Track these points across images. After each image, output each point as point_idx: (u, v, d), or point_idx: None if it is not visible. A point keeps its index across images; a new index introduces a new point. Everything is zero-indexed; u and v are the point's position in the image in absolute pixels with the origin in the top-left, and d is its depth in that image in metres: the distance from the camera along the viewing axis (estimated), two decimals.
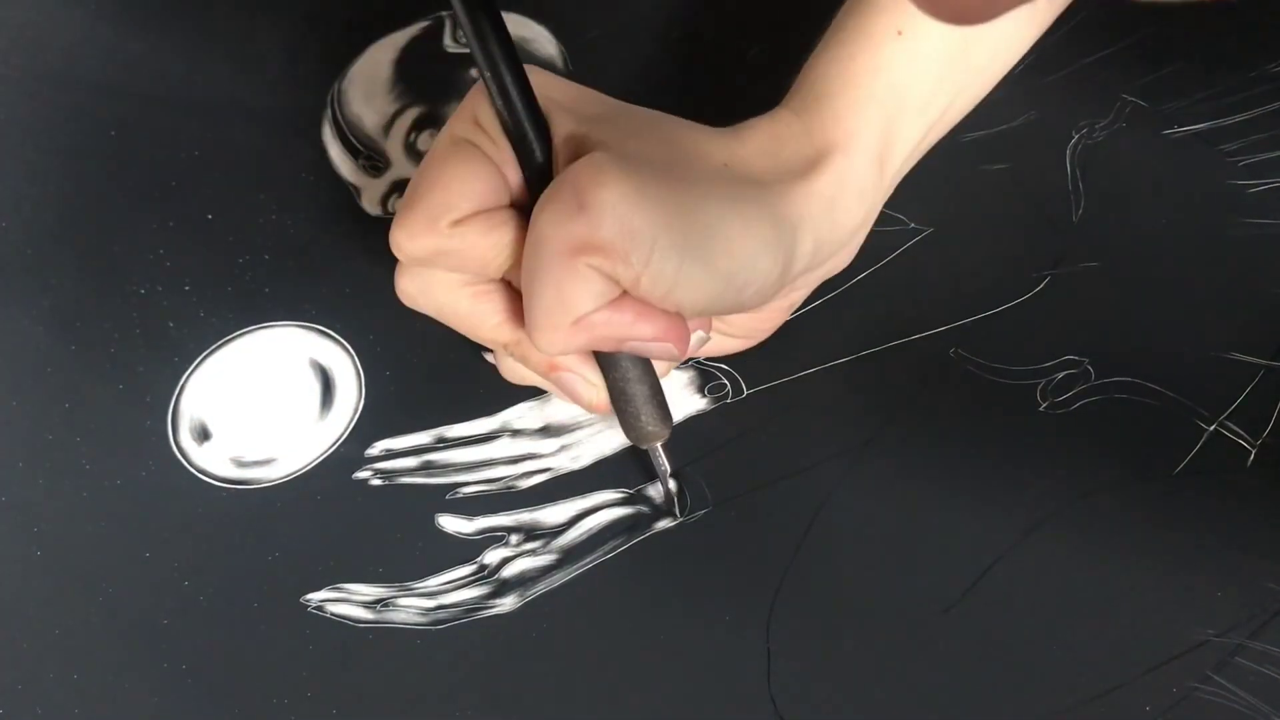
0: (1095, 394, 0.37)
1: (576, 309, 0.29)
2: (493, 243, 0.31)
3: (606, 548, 0.36)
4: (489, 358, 0.39)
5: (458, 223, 0.30)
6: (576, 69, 0.46)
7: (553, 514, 0.37)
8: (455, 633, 0.35)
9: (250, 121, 0.46)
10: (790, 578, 0.35)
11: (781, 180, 0.33)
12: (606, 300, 0.29)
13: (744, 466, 0.37)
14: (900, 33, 0.35)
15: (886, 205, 0.38)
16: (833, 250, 0.35)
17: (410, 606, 0.35)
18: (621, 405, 0.34)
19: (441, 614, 0.35)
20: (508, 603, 0.35)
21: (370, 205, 0.44)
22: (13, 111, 0.48)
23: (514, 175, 0.31)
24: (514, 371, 0.36)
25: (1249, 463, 0.36)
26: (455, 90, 0.46)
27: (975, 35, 0.37)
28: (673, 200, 0.30)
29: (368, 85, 0.46)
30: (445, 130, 0.32)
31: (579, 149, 0.31)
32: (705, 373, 0.39)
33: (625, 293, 0.30)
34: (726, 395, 0.39)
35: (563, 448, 0.38)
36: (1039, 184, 0.42)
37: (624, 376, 0.33)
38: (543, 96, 0.31)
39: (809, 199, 0.33)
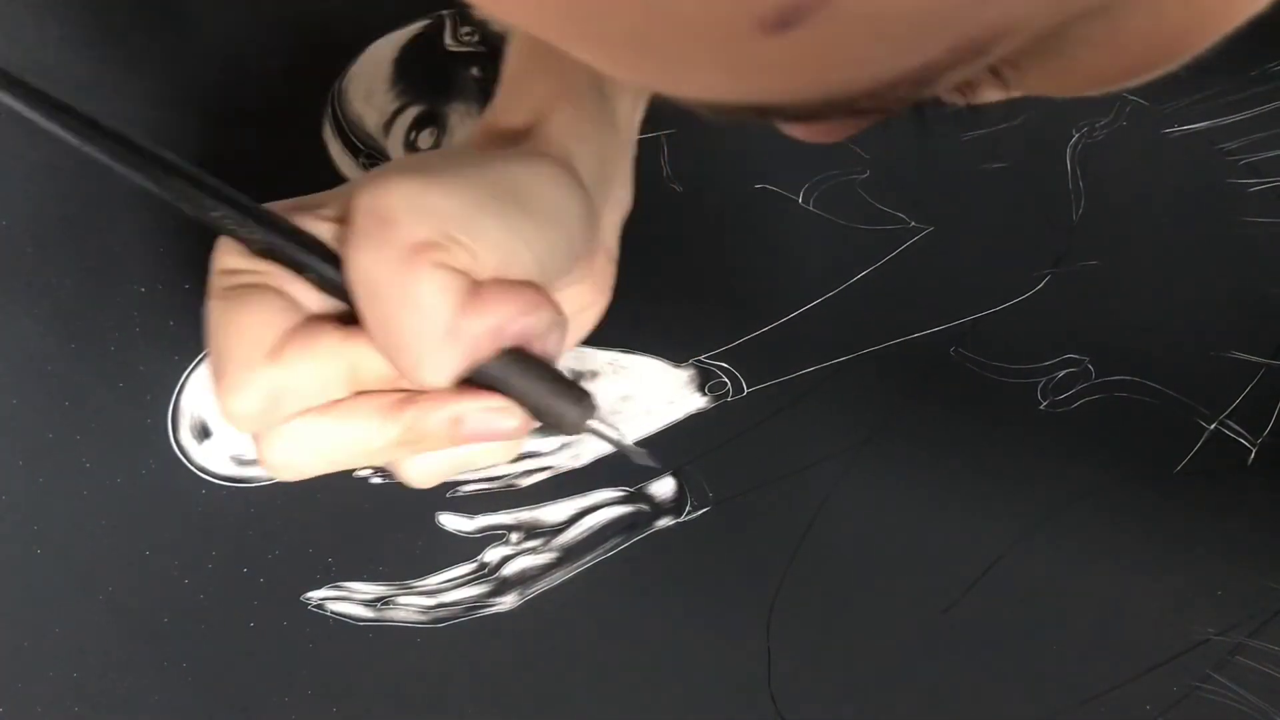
0: (1095, 393, 0.38)
1: (441, 313, 0.27)
2: (319, 351, 0.29)
3: (607, 546, 0.36)
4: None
5: (273, 353, 0.28)
6: None
7: (553, 512, 0.37)
8: (455, 631, 0.35)
9: (250, 121, 0.46)
10: (790, 577, 0.35)
11: (526, 139, 0.33)
12: (461, 296, 0.28)
13: (744, 466, 0.37)
14: None
15: (886, 205, 0.38)
16: (611, 174, 0.35)
17: (410, 605, 0.35)
18: (535, 411, 0.30)
19: (442, 612, 0.35)
20: (508, 601, 0.35)
21: None
22: (13, 111, 0.47)
23: (299, 288, 0.29)
24: (424, 471, 0.32)
25: (1249, 462, 0.36)
26: (456, 89, 0.46)
27: None
28: (460, 175, 0.29)
29: (368, 84, 0.46)
30: (216, 298, 0.29)
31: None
32: (705, 372, 0.39)
33: (475, 283, 0.28)
34: (726, 394, 0.39)
35: (563, 445, 0.38)
36: (1039, 184, 0.42)
37: (517, 385, 0.30)
38: (289, 210, 0.30)
39: (560, 135, 0.33)
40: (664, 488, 0.37)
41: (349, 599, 0.36)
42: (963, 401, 0.38)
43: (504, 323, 0.29)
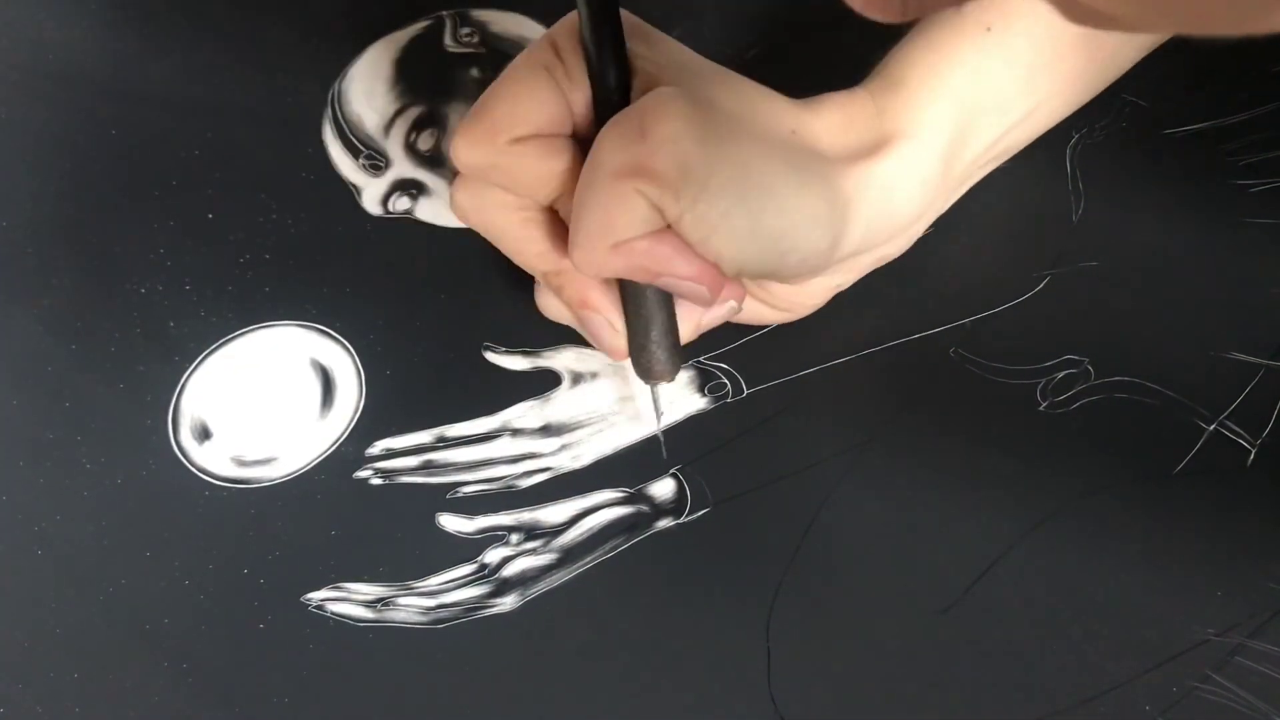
0: (1095, 394, 0.38)
1: (618, 232, 0.30)
2: (547, 167, 0.32)
3: (607, 547, 0.36)
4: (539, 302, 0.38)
5: (517, 140, 0.31)
6: None
7: (553, 513, 0.37)
8: (456, 632, 0.35)
9: (250, 121, 0.46)
10: (790, 578, 0.35)
11: (844, 158, 0.33)
12: (648, 229, 0.30)
13: (744, 466, 0.37)
14: (989, 29, 0.35)
15: None
16: (885, 236, 0.36)
17: (411, 606, 0.35)
18: (638, 340, 0.34)
19: (442, 613, 0.35)
20: (508, 602, 0.36)
21: (371, 205, 0.44)
22: (13, 111, 0.48)
23: (580, 108, 0.32)
24: (548, 306, 0.37)
25: (1249, 463, 0.36)
26: (456, 90, 0.46)
27: (1070, 41, 0.37)
28: (733, 148, 0.30)
29: (368, 84, 0.46)
30: (524, 53, 0.33)
31: (652, 87, 0.31)
32: (705, 373, 0.39)
33: (668, 227, 0.31)
34: (726, 395, 0.39)
35: (563, 447, 0.38)
36: (1039, 184, 0.42)
37: (647, 313, 0.33)
38: (627, 34, 0.32)
39: (868, 180, 0.34)
40: (664, 489, 0.37)
41: (349, 599, 0.36)
42: (962, 402, 0.38)
43: (664, 273, 0.31)
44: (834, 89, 0.36)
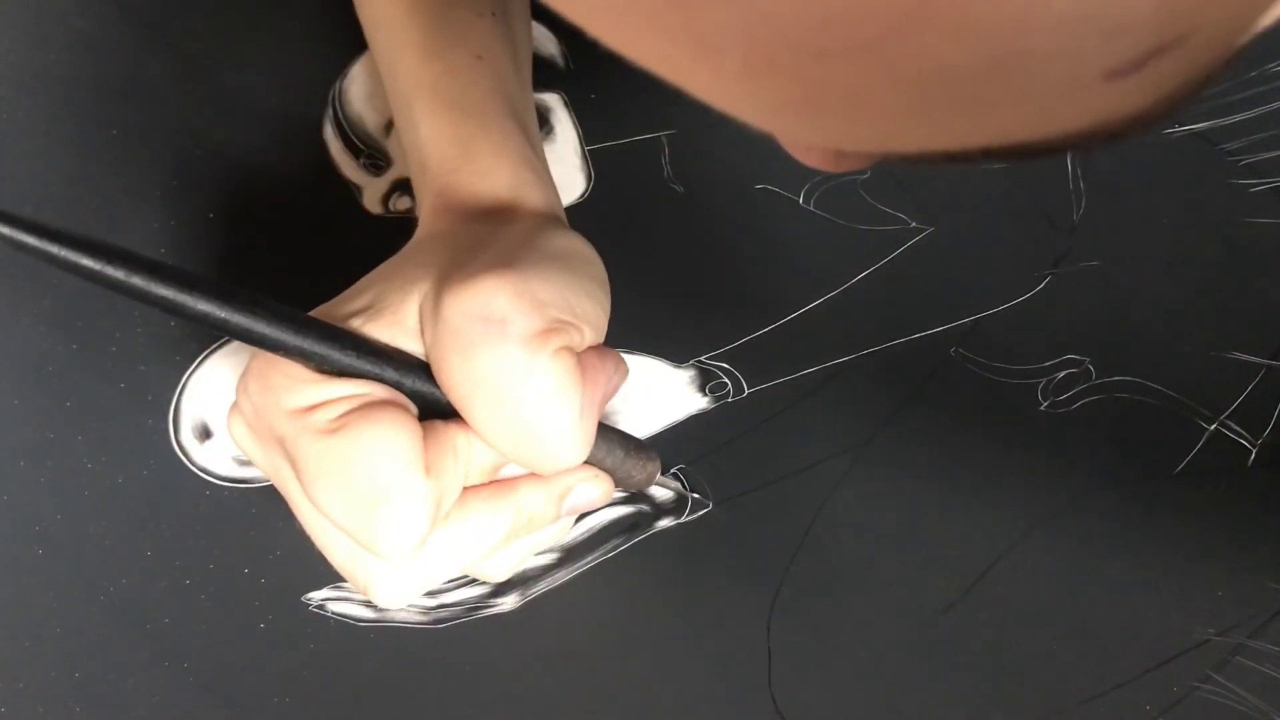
0: (1096, 393, 0.38)
1: (575, 394, 0.28)
2: (458, 453, 0.28)
3: (607, 546, 0.36)
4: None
5: (429, 468, 0.27)
6: (577, 69, 0.46)
7: None
8: (456, 631, 0.35)
9: (250, 121, 0.46)
10: (790, 577, 0.35)
11: (513, 213, 0.32)
12: (578, 374, 0.28)
13: (744, 466, 0.37)
14: (480, 57, 0.35)
15: (887, 205, 0.38)
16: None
17: (411, 605, 0.35)
18: (615, 474, 0.32)
19: (442, 613, 0.35)
20: (508, 601, 0.36)
21: (371, 204, 0.44)
22: (13, 111, 0.48)
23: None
24: (509, 565, 0.32)
25: (1249, 462, 0.36)
26: None
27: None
28: (536, 261, 0.29)
29: (369, 84, 0.46)
30: (307, 439, 0.27)
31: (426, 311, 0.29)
32: (706, 372, 0.39)
33: (579, 358, 0.29)
34: (727, 394, 0.39)
35: None
36: (1039, 184, 0.42)
37: (599, 452, 0.31)
38: (358, 320, 0.29)
39: (547, 203, 0.33)
40: (665, 488, 0.37)
41: (349, 599, 0.36)
42: (963, 402, 0.38)
43: (612, 386, 0.30)
44: None
